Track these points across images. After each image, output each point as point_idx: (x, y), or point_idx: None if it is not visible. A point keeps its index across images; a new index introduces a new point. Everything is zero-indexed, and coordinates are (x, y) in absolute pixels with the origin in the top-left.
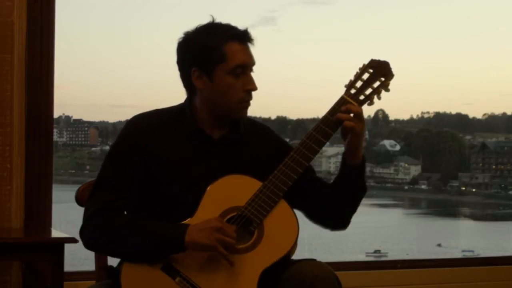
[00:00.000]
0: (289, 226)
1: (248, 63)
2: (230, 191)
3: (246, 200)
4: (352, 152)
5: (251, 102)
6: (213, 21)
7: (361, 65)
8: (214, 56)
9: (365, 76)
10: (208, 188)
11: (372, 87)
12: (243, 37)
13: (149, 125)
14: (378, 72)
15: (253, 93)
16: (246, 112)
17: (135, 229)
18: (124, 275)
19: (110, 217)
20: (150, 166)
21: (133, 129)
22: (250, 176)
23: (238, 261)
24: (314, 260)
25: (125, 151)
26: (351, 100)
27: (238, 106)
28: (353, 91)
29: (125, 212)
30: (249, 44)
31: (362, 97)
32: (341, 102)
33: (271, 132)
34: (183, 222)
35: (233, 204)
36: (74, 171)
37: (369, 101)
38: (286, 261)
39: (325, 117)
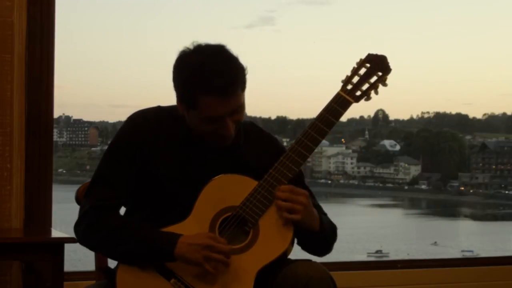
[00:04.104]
0: (284, 226)
1: (223, 115)
2: (226, 191)
3: (241, 199)
4: (304, 228)
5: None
6: (205, 54)
7: (358, 60)
8: (188, 101)
9: (362, 71)
10: (204, 187)
11: (369, 82)
12: (222, 91)
13: (149, 123)
14: (376, 67)
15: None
16: (226, 143)
17: (128, 233)
18: (119, 276)
19: (104, 216)
20: (146, 165)
21: (132, 126)
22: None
23: (233, 261)
24: (309, 260)
25: (124, 148)
26: (347, 97)
27: (212, 140)
28: (349, 86)
29: (121, 210)
30: (234, 92)
31: (358, 93)
32: (337, 98)
33: (276, 142)
34: (177, 224)
35: (229, 204)
36: (74, 171)
37: (366, 97)
38: (282, 261)
39: (320, 114)
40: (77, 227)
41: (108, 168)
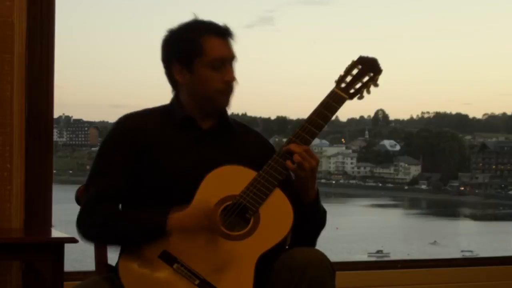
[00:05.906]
0: (284, 214)
1: (226, 57)
2: (226, 181)
3: (241, 189)
4: (301, 189)
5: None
6: (195, 18)
7: (350, 62)
8: (193, 49)
9: (355, 71)
10: (205, 178)
11: (361, 82)
12: (222, 32)
13: (138, 121)
14: (367, 68)
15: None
16: (227, 101)
17: (121, 217)
18: (121, 265)
19: (101, 206)
20: (141, 160)
21: (122, 126)
22: (243, 165)
23: (235, 247)
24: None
25: (115, 145)
26: (341, 93)
27: (218, 96)
28: (343, 85)
29: (120, 202)
30: (230, 39)
31: (352, 91)
32: (332, 94)
33: (259, 134)
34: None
35: (229, 193)
36: (74, 171)
37: (359, 95)
38: (282, 249)
39: (316, 109)
40: (78, 223)
41: (103, 163)
